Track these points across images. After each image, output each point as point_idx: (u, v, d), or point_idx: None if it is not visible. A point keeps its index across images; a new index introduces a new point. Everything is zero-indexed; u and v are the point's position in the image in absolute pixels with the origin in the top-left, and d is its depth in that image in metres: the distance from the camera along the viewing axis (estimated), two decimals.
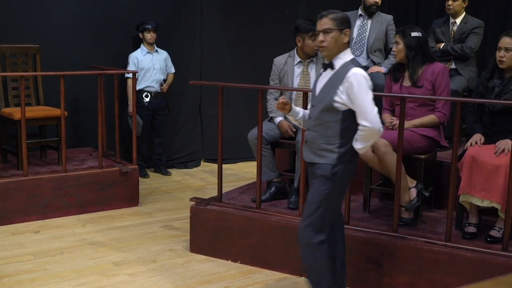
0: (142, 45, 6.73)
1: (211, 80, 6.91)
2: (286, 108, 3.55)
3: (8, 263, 4.35)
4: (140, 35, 6.69)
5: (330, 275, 3.48)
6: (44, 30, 6.30)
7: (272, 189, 4.76)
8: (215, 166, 7.07)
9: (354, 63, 3.35)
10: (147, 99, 6.70)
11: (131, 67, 6.60)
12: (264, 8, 7.70)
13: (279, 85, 4.84)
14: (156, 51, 6.79)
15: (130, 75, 6.29)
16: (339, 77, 3.31)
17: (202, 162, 7.68)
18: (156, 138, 6.97)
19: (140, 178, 6.03)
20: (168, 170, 7.14)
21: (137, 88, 6.48)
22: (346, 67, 3.32)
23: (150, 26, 6.61)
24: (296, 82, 4.81)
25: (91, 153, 6.33)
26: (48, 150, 6.00)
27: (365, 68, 5.58)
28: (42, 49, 6.07)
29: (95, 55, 6.66)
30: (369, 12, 5.67)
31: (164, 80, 6.86)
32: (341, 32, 3.34)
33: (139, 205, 5.82)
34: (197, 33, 7.45)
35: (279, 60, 4.88)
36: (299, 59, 4.82)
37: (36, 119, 5.60)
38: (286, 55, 4.87)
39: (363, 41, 5.69)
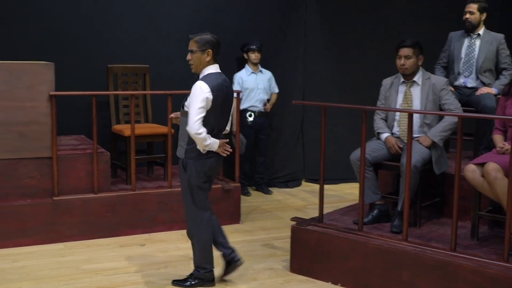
0: (246, 65, 6.84)
1: (313, 100, 6.93)
2: (178, 121, 4.20)
3: (115, 273, 4.52)
4: (245, 55, 6.81)
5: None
6: (153, 51, 6.56)
7: (375, 211, 4.68)
8: (316, 186, 7.04)
9: (206, 77, 3.97)
10: (251, 119, 6.79)
11: (235, 86, 6.72)
12: (369, 28, 7.64)
13: (385, 106, 4.79)
14: (261, 71, 6.88)
15: (235, 94, 6.40)
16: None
17: (303, 182, 7.67)
18: (259, 157, 7.04)
19: (241, 196, 6.10)
20: (269, 189, 7.19)
21: (241, 107, 6.60)
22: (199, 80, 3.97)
23: (254, 47, 6.71)
24: (398, 103, 4.74)
25: None
26: (155, 166, 6.21)
27: (473, 89, 5.44)
28: (151, 69, 6.32)
29: None
30: (465, 29, 5.53)
31: (268, 100, 6.93)
32: (203, 52, 4.00)
33: (240, 222, 5.88)
34: (300, 52, 7.49)
35: (386, 81, 4.87)
36: (402, 80, 4.75)
37: (144, 136, 5.81)
38: (394, 76, 4.83)
39: (471, 61, 5.51)
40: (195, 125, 3.88)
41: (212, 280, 4.30)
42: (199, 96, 3.90)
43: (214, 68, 4.06)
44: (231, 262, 4.33)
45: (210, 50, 4.01)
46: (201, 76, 4.02)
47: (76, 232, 5.23)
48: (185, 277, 4.32)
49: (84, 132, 6.24)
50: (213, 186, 5.72)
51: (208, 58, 4.02)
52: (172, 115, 4.28)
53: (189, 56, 4.04)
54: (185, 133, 4.00)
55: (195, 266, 4.29)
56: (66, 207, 5.19)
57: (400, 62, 4.67)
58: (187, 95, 4.03)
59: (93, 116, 5.25)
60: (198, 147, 3.97)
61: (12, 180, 5.08)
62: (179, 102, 6.22)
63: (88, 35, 6.35)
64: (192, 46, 4.02)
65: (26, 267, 4.62)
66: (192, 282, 4.26)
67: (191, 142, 4.00)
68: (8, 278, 4.39)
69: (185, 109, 4.00)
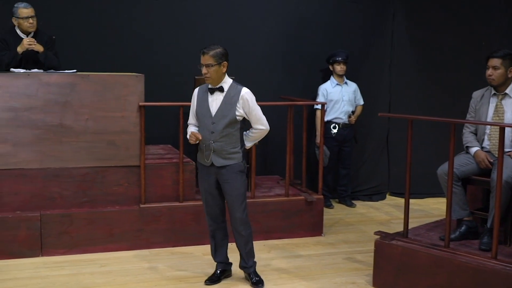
0: (332, 77, 6.81)
1: (399, 113, 6.79)
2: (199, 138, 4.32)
3: (198, 281, 4.58)
4: (330, 67, 6.78)
5: None
6: (239, 62, 6.61)
7: (463, 228, 4.52)
8: (401, 201, 6.90)
9: (238, 84, 4.31)
10: (335, 131, 6.74)
11: (320, 98, 6.70)
12: (457, 40, 7.44)
13: (474, 119, 4.64)
14: (346, 83, 6.83)
15: (319, 106, 6.39)
16: (234, 97, 4.25)
17: (387, 196, 7.54)
18: (342, 169, 6.98)
19: (324, 208, 6.06)
20: (353, 201, 7.10)
21: (326, 119, 6.57)
22: (235, 88, 4.28)
23: (340, 58, 6.67)
24: (489, 116, 4.58)
25: (278, 181, 6.50)
26: None
27: None
28: (237, 80, 6.35)
29: (286, 86, 6.87)
30: None
31: (353, 112, 6.87)
32: (220, 65, 4.20)
33: (322, 235, 5.84)
34: (386, 65, 7.39)
35: (476, 93, 4.72)
36: (494, 92, 4.59)
37: None
38: (485, 88, 4.67)
39: None
40: (267, 123, 4.38)
41: None
42: (254, 99, 4.32)
43: (228, 77, 4.34)
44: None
45: (226, 62, 4.24)
46: (227, 85, 4.29)
47: (161, 239, 5.35)
48: (256, 279, 4.52)
49: (171, 141, 6.40)
50: (296, 198, 5.80)
51: (224, 70, 4.25)
52: (193, 136, 4.28)
53: (204, 70, 4.20)
54: (236, 139, 4.30)
55: (252, 263, 4.54)
56: (152, 215, 5.33)
57: (487, 72, 4.53)
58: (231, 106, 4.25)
59: (180, 126, 5.37)
60: (252, 144, 4.44)
61: (101, 187, 5.27)
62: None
63: (176, 48, 6.52)
64: (209, 60, 4.18)
65: (113, 272, 4.77)
66: (257, 278, 4.53)
67: (242, 144, 4.36)
68: (95, 282, 4.55)
69: (238, 117, 4.24)
